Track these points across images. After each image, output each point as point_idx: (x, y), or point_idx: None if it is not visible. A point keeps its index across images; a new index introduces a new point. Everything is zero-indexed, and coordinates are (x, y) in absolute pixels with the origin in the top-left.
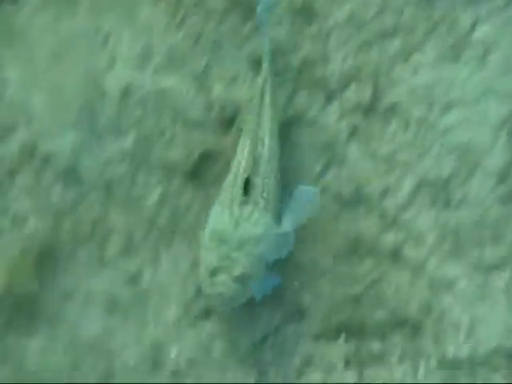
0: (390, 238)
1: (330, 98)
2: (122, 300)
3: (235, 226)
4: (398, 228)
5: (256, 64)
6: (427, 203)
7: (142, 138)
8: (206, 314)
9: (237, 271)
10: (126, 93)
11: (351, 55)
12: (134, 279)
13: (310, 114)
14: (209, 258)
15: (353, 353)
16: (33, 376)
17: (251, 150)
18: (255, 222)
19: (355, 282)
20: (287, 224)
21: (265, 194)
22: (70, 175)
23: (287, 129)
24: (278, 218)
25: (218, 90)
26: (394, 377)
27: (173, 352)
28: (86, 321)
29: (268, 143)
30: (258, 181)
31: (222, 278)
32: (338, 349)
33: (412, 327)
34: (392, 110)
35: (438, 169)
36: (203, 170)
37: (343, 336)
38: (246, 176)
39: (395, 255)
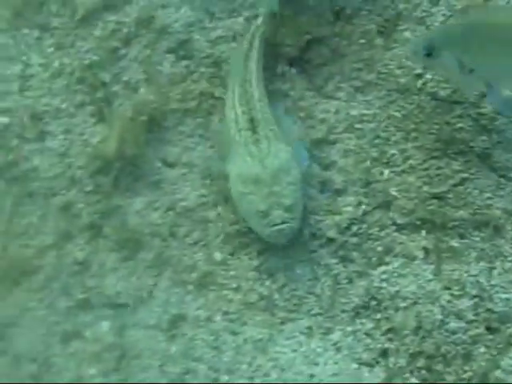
0: (481, 142)
1: None
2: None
3: (261, 164)
4: (491, 132)
5: None
6: None
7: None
8: None
9: (287, 202)
10: None
11: None
12: None
13: None
14: (253, 202)
15: (433, 246)
16: (133, 233)
17: (242, 92)
18: (275, 153)
19: (443, 180)
20: (296, 142)
21: (270, 126)
22: (182, 48)
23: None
24: (287, 140)
25: None
26: (469, 273)
27: None
28: (185, 189)
29: (255, 83)
30: (259, 117)
31: (277, 214)
32: (419, 241)
33: (493, 228)
34: None
35: None
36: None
37: (425, 229)
38: (248, 117)
39: (485, 158)
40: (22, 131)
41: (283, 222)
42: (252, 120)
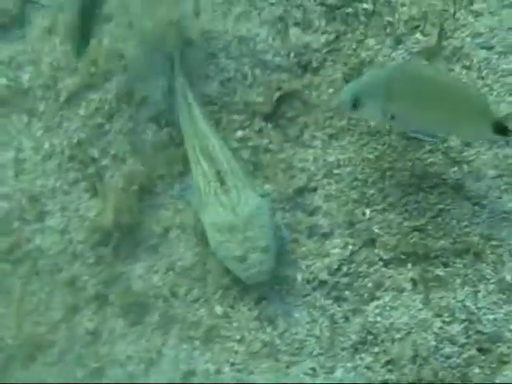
0: (453, 174)
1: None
2: None
3: (233, 212)
4: (460, 164)
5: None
6: (488, 141)
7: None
8: None
9: (261, 244)
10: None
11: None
12: None
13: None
14: (230, 249)
15: (419, 277)
16: (137, 297)
17: (203, 146)
18: (245, 201)
19: (422, 213)
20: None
21: (237, 175)
22: (162, 117)
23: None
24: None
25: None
26: (456, 299)
27: None
28: (180, 249)
29: (211, 135)
30: (225, 168)
31: (254, 257)
32: (406, 273)
33: (473, 254)
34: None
35: (497, 107)
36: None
37: (410, 262)
38: (215, 170)
39: (458, 189)
40: (21, 214)
41: (260, 264)
42: (219, 172)
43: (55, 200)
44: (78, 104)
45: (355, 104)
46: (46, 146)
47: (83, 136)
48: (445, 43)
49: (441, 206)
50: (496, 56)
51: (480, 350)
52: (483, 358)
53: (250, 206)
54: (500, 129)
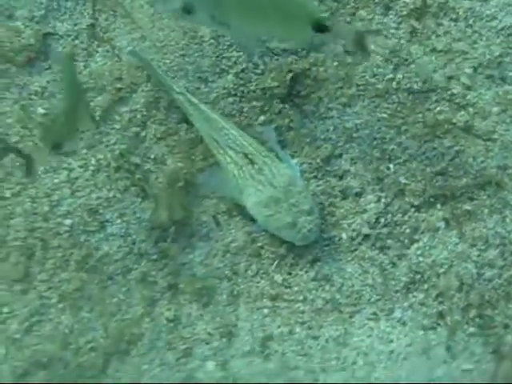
0: (461, 116)
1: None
2: None
3: (272, 186)
4: (466, 107)
5: None
6: (486, 82)
7: None
8: None
9: (305, 207)
10: None
11: None
12: None
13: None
14: (280, 219)
15: (450, 215)
16: (204, 282)
17: (224, 140)
18: (279, 172)
19: (440, 158)
20: (285, 157)
21: (262, 153)
22: None
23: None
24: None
25: None
26: (487, 227)
27: None
28: (232, 231)
29: (227, 126)
30: (250, 150)
31: (302, 219)
32: (438, 214)
33: (495, 185)
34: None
35: (489, 51)
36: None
37: (440, 203)
38: (242, 154)
39: (468, 130)
40: (85, 226)
41: (309, 224)
42: (246, 155)
43: (112, 208)
44: (113, 119)
45: (188, 11)
46: (93, 161)
47: (123, 146)
48: (430, 1)
49: (456, 148)
50: (479, 4)
51: None
52: None
53: (284, 177)
54: (320, 27)
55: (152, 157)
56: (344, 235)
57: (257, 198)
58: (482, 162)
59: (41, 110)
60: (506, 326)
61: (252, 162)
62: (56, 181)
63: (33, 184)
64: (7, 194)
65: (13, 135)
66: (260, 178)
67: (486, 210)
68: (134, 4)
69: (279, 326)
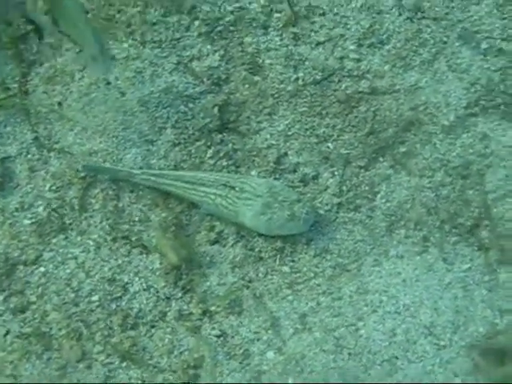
0: (364, 84)
1: None
2: None
3: (259, 197)
4: (364, 75)
5: None
6: (370, 50)
7: None
8: None
9: (294, 196)
10: None
11: None
12: None
13: None
14: (279, 217)
15: (393, 161)
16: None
17: (195, 186)
18: (256, 184)
19: (364, 122)
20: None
21: (234, 177)
22: None
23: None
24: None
25: None
26: (425, 157)
27: None
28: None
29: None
30: (223, 179)
31: (297, 207)
32: (383, 165)
33: (415, 123)
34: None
35: (361, 26)
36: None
37: (380, 156)
38: (220, 186)
39: (374, 91)
40: (111, 295)
41: (304, 208)
42: (224, 185)
43: (126, 272)
44: (89, 202)
45: None
46: (91, 243)
47: (110, 221)
48: (297, 8)
49: (372, 109)
50: None
51: None
52: None
53: (262, 185)
54: None
55: (137, 219)
56: (321, 211)
57: (251, 211)
58: (397, 110)
59: (27, 221)
60: (477, 226)
61: (232, 188)
62: (68, 271)
63: (52, 281)
64: (33, 298)
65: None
66: (245, 196)
67: (418, 145)
68: (63, 106)
69: (307, 303)
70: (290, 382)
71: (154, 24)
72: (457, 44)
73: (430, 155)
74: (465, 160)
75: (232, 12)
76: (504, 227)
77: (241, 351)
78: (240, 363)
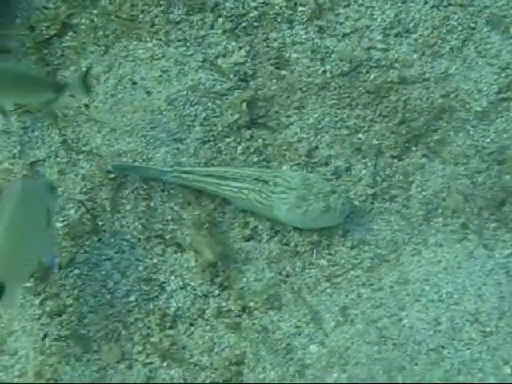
0: (392, 74)
1: None
2: None
3: (292, 189)
4: (392, 65)
5: None
6: (397, 39)
7: None
8: None
9: (327, 188)
10: None
11: None
12: None
13: None
14: (315, 209)
15: (426, 150)
16: (270, 288)
17: (228, 182)
18: (290, 177)
19: (394, 112)
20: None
21: (267, 171)
22: None
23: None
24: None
25: None
26: (459, 144)
27: None
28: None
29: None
30: (255, 173)
31: (332, 199)
32: (417, 154)
33: (447, 110)
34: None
35: (386, 16)
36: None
37: (413, 145)
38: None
39: (404, 80)
40: (148, 295)
41: (339, 198)
42: (257, 179)
43: (162, 271)
44: (121, 203)
45: None
46: (124, 244)
47: (142, 220)
48: (321, 1)
49: (403, 99)
50: None
51: None
52: None
53: (296, 177)
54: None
55: (169, 218)
56: (356, 202)
57: (286, 205)
58: (428, 98)
59: (59, 224)
60: None
61: (265, 182)
62: (103, 272)
63: (87, 283)
64: (69, 300)
65: None
66: (279, 189)
67: (451, 133)
68: (90, 107)
69: (346, 296)
70: (334, 375)
71: (178, 23)
72: (485, 30)
73: (463, 142)
74: (500, 145)
75: (256, 8)
76: None
77: (283, 345)
78: (283, 358)
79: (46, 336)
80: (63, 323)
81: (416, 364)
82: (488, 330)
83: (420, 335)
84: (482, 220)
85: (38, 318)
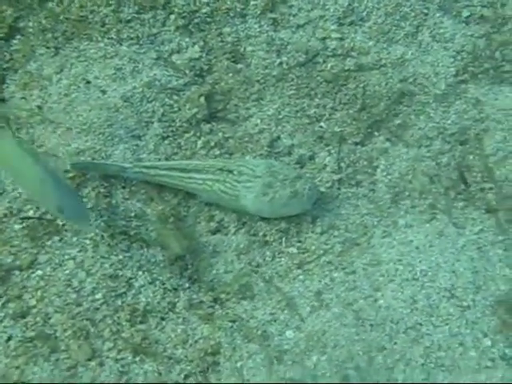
0: (343, 62)
1: None
2: None
3: (258, 177)
4: (348, 53)
5: None
6: (351, 28)
7: None
8: None
9: (293, 174)
10: None
11: None
12: None
13: None
14: (282, 196)
15: (389, 134)
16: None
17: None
18: (254, 165)
19: (354, 99)
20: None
21: (230, 160)
22: None
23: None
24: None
25: None
26: (421, 127)
27: None
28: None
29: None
30: (219, 164)
31: (299, 184)
32: (379, 139)
33: (406, 94)
34: None
35: (339, 5)
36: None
37: (375, 130)
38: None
39: (361, 68)
40: (115, 292)
41: (307, 184)
42: (221, 169)
43: (128, 267)
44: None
45: None
46: (88, 242)
47: (105, 218)
48: None
49: (361, 85)
50: None
51: None
52: None
53: (261, 165)
54: None
55: (133, 214)
56: (323, 189)
57: (253, 193)
58: (386, 84)
59: (17, 226)
60: (481, 189)
61: (230, 171)
62: (67, 272)
63: (50, 283)
64: (33, 302)
65: None
66: (244, 178)
67: (412, 116)
68: (44, 109)
69: (320, 281)
70: (314, 358)
71: (129, 21)
72: (438, 15)
73: (425, 125)
74: (461, 126)
75: (208, 3)
76: (510, 188)
77: (259, 333)
78: (260, 345)
79: (10, 338)
80: (28, 324)
81: (395, 343)
82: (465, 304)
83: (397, 314)
84: (449, 200)
85: (1, 321)
